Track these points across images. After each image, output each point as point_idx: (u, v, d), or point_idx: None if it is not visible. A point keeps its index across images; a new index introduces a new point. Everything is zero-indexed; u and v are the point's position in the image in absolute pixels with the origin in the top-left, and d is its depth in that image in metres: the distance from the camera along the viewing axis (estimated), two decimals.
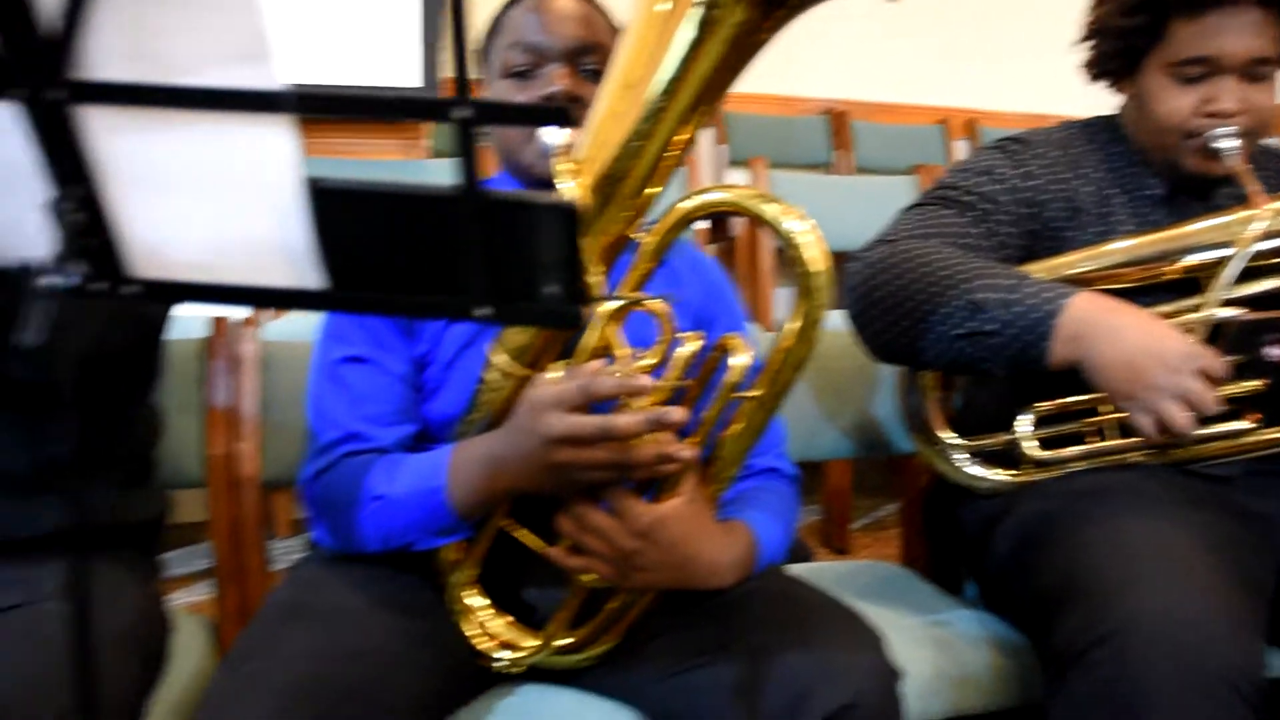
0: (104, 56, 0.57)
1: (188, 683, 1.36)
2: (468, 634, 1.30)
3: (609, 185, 1.11)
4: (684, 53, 1.06)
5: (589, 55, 1.35)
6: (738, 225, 3.39)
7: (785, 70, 4.24)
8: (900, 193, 3.25)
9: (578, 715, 1.30)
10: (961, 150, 4.65)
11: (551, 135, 1.21)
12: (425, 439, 1.36)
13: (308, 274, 0.63)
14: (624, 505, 1.15)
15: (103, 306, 1.31)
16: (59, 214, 0.62)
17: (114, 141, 0.61)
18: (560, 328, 0.63)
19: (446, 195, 0.58)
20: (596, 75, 1.33)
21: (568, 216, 0.59)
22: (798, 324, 1.15)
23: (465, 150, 0.56)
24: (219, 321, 1.70)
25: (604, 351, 1.17)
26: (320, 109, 0.57)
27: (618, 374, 1.10)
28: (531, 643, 1.29)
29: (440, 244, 0.62)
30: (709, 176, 4.26)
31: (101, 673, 1.17)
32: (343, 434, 1.32)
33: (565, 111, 0.58)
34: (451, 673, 1.26)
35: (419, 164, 3.33)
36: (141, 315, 1.41)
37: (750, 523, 1.30)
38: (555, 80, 1.33)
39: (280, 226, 0.61)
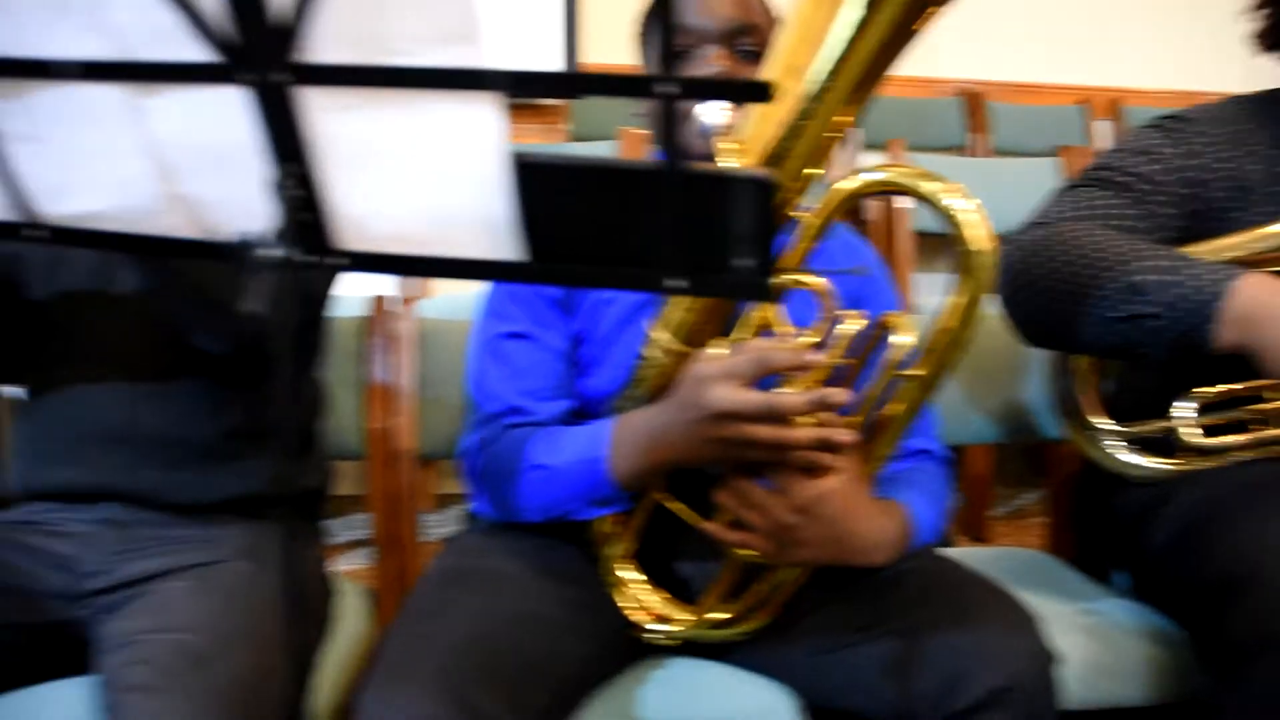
0: (327, 41, 0.61)
1: (350, 644, 1.42)
2: (621, 606, 1.32)
3: (771, 165, 1.11)
4: (849, 33, 1.06)
5: (745, 36, 1.36)
6: (872, 209, 3.36)
7: (919, 52, 4.17)
8: (1041, 175, 3.17)
9: (728, 690, 1.32)
10: (1104, 131, 4.52)
11: (711, 115, 1.22)
12: (580, 415, 1.39)
13: (507, 246, 0.66)
14: (784, 480, 1.16)
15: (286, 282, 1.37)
16: (279, 190, 0.66)
17: (330, 121, 0.64)
18: (750, 299, 0.65)
19: (650, 169, 0.60)
20: (753, 56, 1.34)
21: (764, 190, 0.61)
22: (960, 303, 1.14)
23: (668, 126, 0.58)
24: (378, 300, 1.76)
25: (765, 329, 1.19)
26: (527, 87, 0.59)
27: (785, 350, 1.11)
28: (685, 616, 1.31)
29: (637, 217, 0.64)
30: (844, 160, 4.22)
31: (280, 628, 1.24)
32: (503, 407, 1.36)
33: (766, 87, 0.59)
34: (606, 642, 1.29)
35: (558, 147, 3.39)
36: (309, 292, 1.46)
37: (906, 502, 1.29)
38: (712, 61, 1.34)
39: (484, 200, 0.64)
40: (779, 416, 1.10)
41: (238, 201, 0.70)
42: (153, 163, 0.70)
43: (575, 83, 0.56)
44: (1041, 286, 1.45)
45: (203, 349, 1.38)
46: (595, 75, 0.57)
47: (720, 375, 1.12)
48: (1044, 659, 1.18)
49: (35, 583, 1.34)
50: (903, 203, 3.04)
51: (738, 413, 1.11)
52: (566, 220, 0.65)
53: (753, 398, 1.10)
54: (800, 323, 1.20)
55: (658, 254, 0.65)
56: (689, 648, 1.34)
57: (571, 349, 1.40)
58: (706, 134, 1.22)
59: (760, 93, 0.60)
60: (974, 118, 4.43)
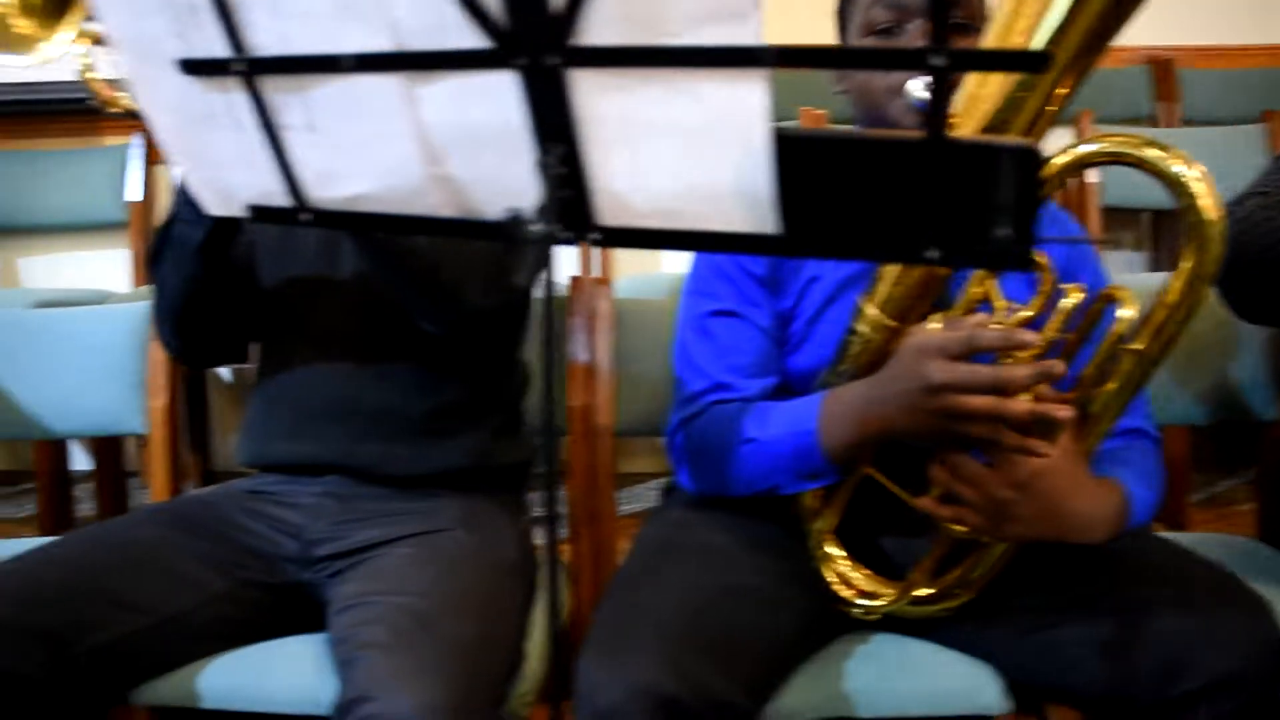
0: (599, 24, 0.63)
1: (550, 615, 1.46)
2: (827, 580, 1.33)
3: None
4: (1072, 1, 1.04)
5: (956, 8, 1.34)
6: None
7: None
8: (1242, 142, 3.04)
9: (933, 667, 1.32)
10: None
11: (920, 89, 1.22)
12: (784, 391, 1.40)
13: (765, 219, 0.68)
14: (1000, 455, 1.15)
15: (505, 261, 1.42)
16: (543, 169, 0.69)
17: (598, 101, 0.67)
18: (1009, 269, 0.65)
19: (914, 141, 0.61)
20: (961, 29, 1.32)
21: (1029, 160, 0.61)
22: (1186, 276, 1.12)
23: (938, 99, 0.58)
24: (577, 281, 1.80)
25: (981, 304, 1.18)
26: (796, 63, 0.61)
27: (1000, 326, 1.11)
28: (889, 591, 1.31)
29: (897, 189, 0.64)
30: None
31: (497, 595, 1.30)
32: (710, 383, 1.39)
33: (1043, 57, 0.60)
34: (812, 616, 1.31)
35: None
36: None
37: (1122, 480, 1.27)
38: (920, 36, 1.33)
39: (746, 175, 0.66)
40: (999, 390, 1.09)
41: (498, 180, 0.74)
42: (420, 146, 0.74)
43: (841, 57, 0.58)
44: (1264, 262, 1.40)
45: (423, 330, 1.44)
46: (863, 50, 0.58)
47: (937, 348, 1.11)
48: (1276, 647, 1.15)
49: (274, 548, 1.43)
50: (1092, 177, 2.95)
51: (957, 385, 1.10)
52: (824, 193, 0.67)
53: (972, 370, 1.10)
54: (1013, 297, 1.19)
55: (916, 225, 0.65)
56: (890, 623, 1.34)
57: (777, 326, 1.41)
58: (917, 107, 1.21)
59: (1036, 62, 0.60)
60: (1162, 86, 4.25)
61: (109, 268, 3.33)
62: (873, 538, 1.38)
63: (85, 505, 2.95)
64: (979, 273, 1.18)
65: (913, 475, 1.24)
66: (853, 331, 1.27)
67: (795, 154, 0.65)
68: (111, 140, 3.37)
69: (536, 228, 0.68)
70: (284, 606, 1.42)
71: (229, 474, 3.22)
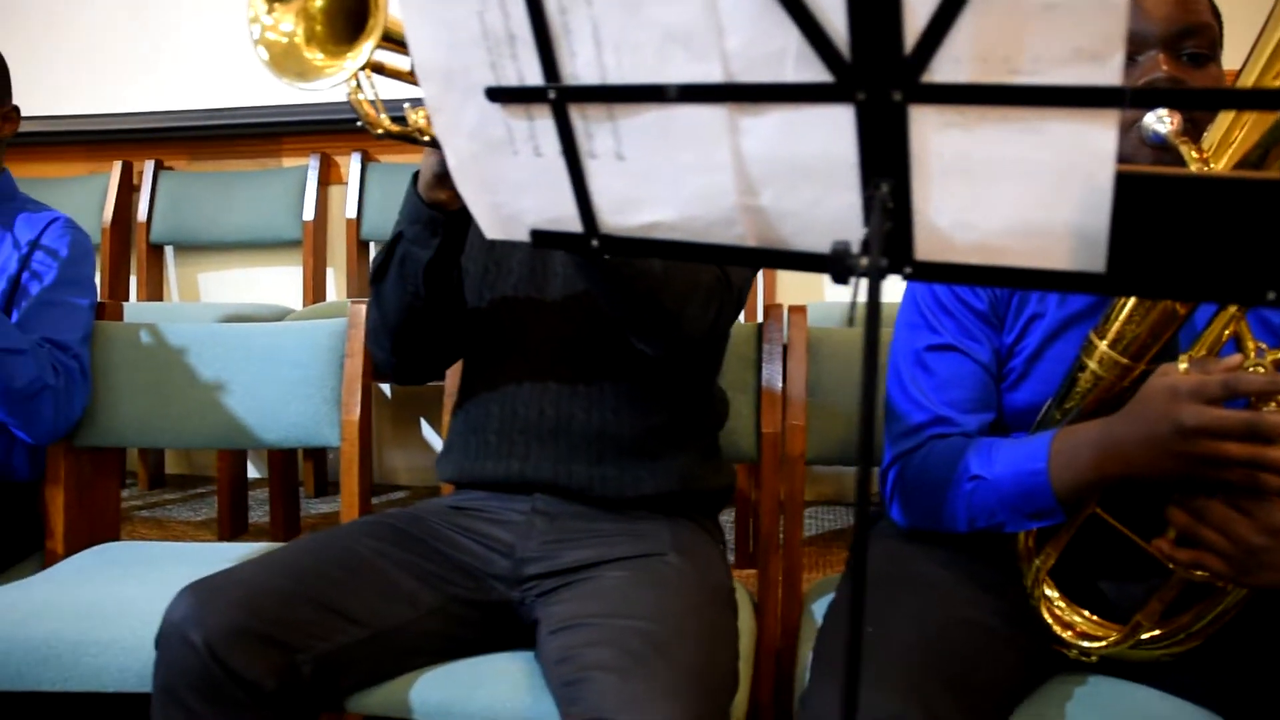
0: (949, 61, 0.63)
1: (744, 639, 1.45)
2: (1046, 619, 1.30)
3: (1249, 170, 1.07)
4: None
5: (1190, 39, 1.29)
6: None
7: None
8: None
9: (1157, 714, 1.27)
10: None
11: (1157, 123, 1.19)
12: (999, 428, 1.38)
13: (1095, 258, 0.66)
14: (1252, 501, 1.11)
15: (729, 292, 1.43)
16: (874, 203, 0.69)
17: (935, 137, 0.66)
18: None
19: (1266, 182, 0.60)
20: (1199, 59, 1.28)
21: None
22: None
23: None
24: (771, 309, 1.80)
25: (1228, 343, 1.15)
26: (1150, 103, 0.60)
27: (1263, 371, 1.07)
28: (1111, 634, 1.28)
29: (1241, 228, 0.63)
30: None
31: (719, 620, 1.30)
32: (929, 417, 1.37)
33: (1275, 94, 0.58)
34: (1031, 654, 1.29)
35: None
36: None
37: None
38: (1156, 66, 1.29)
39: (1083, 213, 0.65)
40: (1257, 436, 1.06)
41: (812, 213, 0.74)
42: (736, 177, 0.74)
43: (1199, 98, 0.57)
44: None
45: (632, 352, 1.45)
46: (1221, 91, 0.56)
47: (1192, 391, 1.08)
48: None
49: (485, 565, 1.45)
50: None
51: (1213, 430, 1.07)
52: (1160, 231, 0.65)
53: (1233, 416, 1.06)
54: (1261, 337, 1.15)
55: (1257, 265, 0.64)
56: (1107, 666, 1.31)
57: (996, 362, 1.39)
58: (1154, 142, 1.19)
59: (1271, 100, 0.58)
60: None
61: (284, 284, 3.44)
62: (1090, 578, 1.34)
63: (255, 512, 3.04)
64: (1228, 312, 1.15)
65: (1139, 516, 1.21)
66: (1082, 368, 1.25)
67: (1135, 193, 0.64)
68: (290, 162, 3.49)
69: (863, 260, 0.68)
70: (491, 624, 1.44)
71: (387, 486, 3.30)
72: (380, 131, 1.22)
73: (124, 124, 3.53)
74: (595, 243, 0.85)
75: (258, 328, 2.08)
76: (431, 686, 1.37)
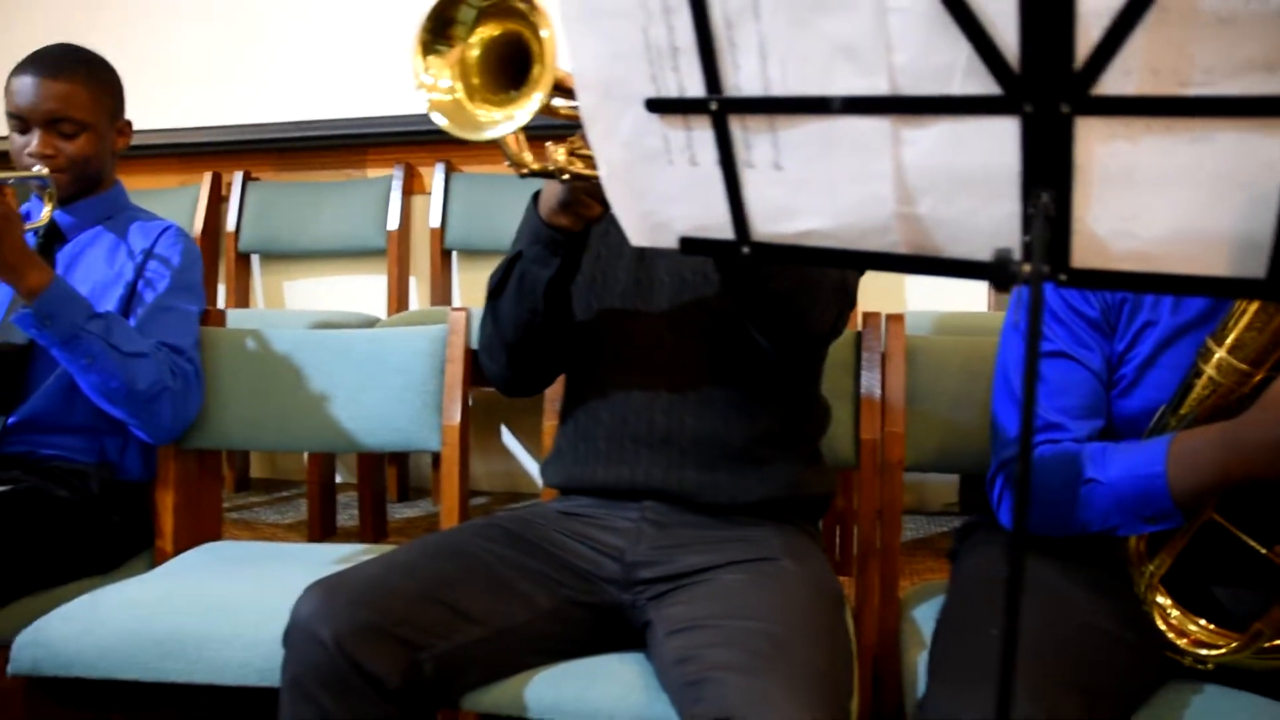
0: (1119, 73, 0.65)
1: None
2: (1160, 626, 1.31)
3: None
4: None
5: None
6: None
7: None
8: None
9: None
10: None
11: None
12: (1109, 435, 1.39)
13: (1256, 264, 0.68)
14: None
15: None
16: (1032, 211, 0.71)
17: (1100, 147, 0.68)
18: None
19: None
20: None
21: None
22: None
23: None
24: (869, 317, 1.82)
25: None
26: None
27: None
28: (1228, 642, 1.28)
29: None
30: None
31: (835, 624, 1.32)
32: (1040, 423, 1.38)
33: None
34: (1147, 660, 1.29)
35: None
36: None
37: None
38: None
39: (1248, 221, 0.67)
40: None
41: (968, 221, 0.76)
42: (895, 186, 0.77)
43: None
44: None
45: (748, 359, 1.48)
46: None
47: None
48: None
49: (595, 569, 1.48)
50: None
51: None
52: None
53: None
54: None
55: None
56: (1223, 674, 1.31)
57: (1106, 369, 1.40)
58: None
59: None
60: None
61: (368, 292, 3.51)
62: (1204, 584, 1.35)
63: (341, 515, 3.10)
64: None
65: (1257, 521, 1.22)
66: (1198, 374, 1.25)
67: None
68: (375, 173, 3.56)
69: (1025, 267, 0.70)
70: (601, 626, 1.47)
71: (470, 492, 3.35)
72: (525, 172, 1.25)
73: (213, 137, 3.63)
74: (746, 250, 0.88)
75: (359, 334, 2.13)
76: (546, 685, 1.40)
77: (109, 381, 1.84)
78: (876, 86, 0.74)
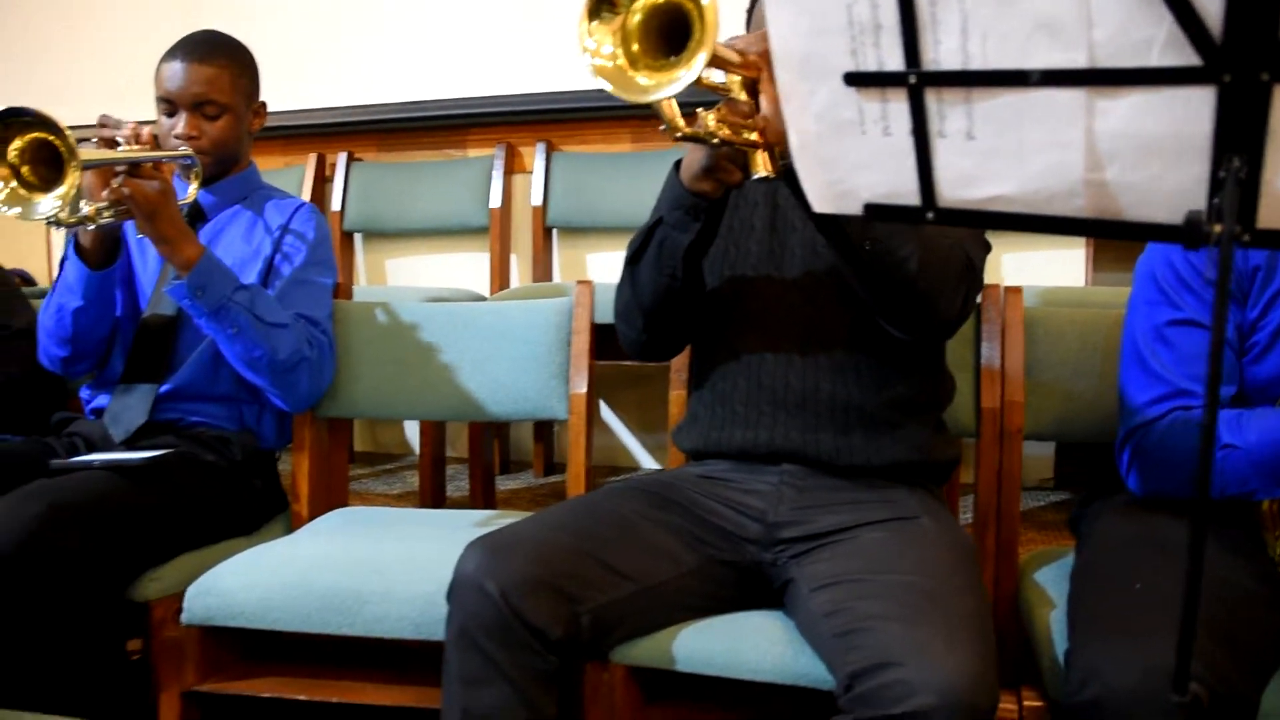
0: None
1: None
2: None
3: None
4: None
5: None
6: None
7: None
8: None
9: None
10: None
11: None
12: (1240, 400, 1.43)
13: None
14: None
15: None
16: (1223, 176, 0.76)
17: None
18: None
19: None
20: None
21: None
22: None
23: None
24: (989, 290, 1.86)
25: None
26: None
27: None
28: None
29: None
30: None
31: (976, 581, 1.37)
32: (1171, 389, 1.42)
33: None
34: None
35: None
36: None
37: None
38: None
39: None
40: None
41: (1154, 186, 0.81)
42: (1086, 154, 0.82)
43: None
44: None
45: (871, 327, 1.53)
46: None
47: None
48: None
49: (737, 529, 1.54)
50: None
51: None
52: None
53: None
54: None
55: None
56: None
57: (1238, 337, 1.43)
58: None
59: None
60: None
61: (468, 270, 3.60)
62: None
63: (450, 485, 3.19)
64: None
65: None
66: None
67: None
68: (476, 152, 3.64)
69: (1216, 228, 0.75)
70: (743, 583, 1.54)
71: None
72: (678, 134, 1.31)
73: (317, 119, 3.73)
74: (931, 215, 0.93)
75: (485, 306, 2.21)
76: (693, 640, 1.47)
77: (252, 350, 1.93)
78: (1075, 60, 0.79)
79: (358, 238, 3.81)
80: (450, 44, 3.66)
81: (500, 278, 3.47)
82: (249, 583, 1.67)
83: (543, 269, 3.48)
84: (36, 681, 1.60)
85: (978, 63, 0.83)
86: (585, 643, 1.42)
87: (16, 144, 1.67)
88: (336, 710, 1.70)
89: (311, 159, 3.75)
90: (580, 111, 3.46)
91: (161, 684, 1.70)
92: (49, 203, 1.67)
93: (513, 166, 3.55)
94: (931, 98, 0.87)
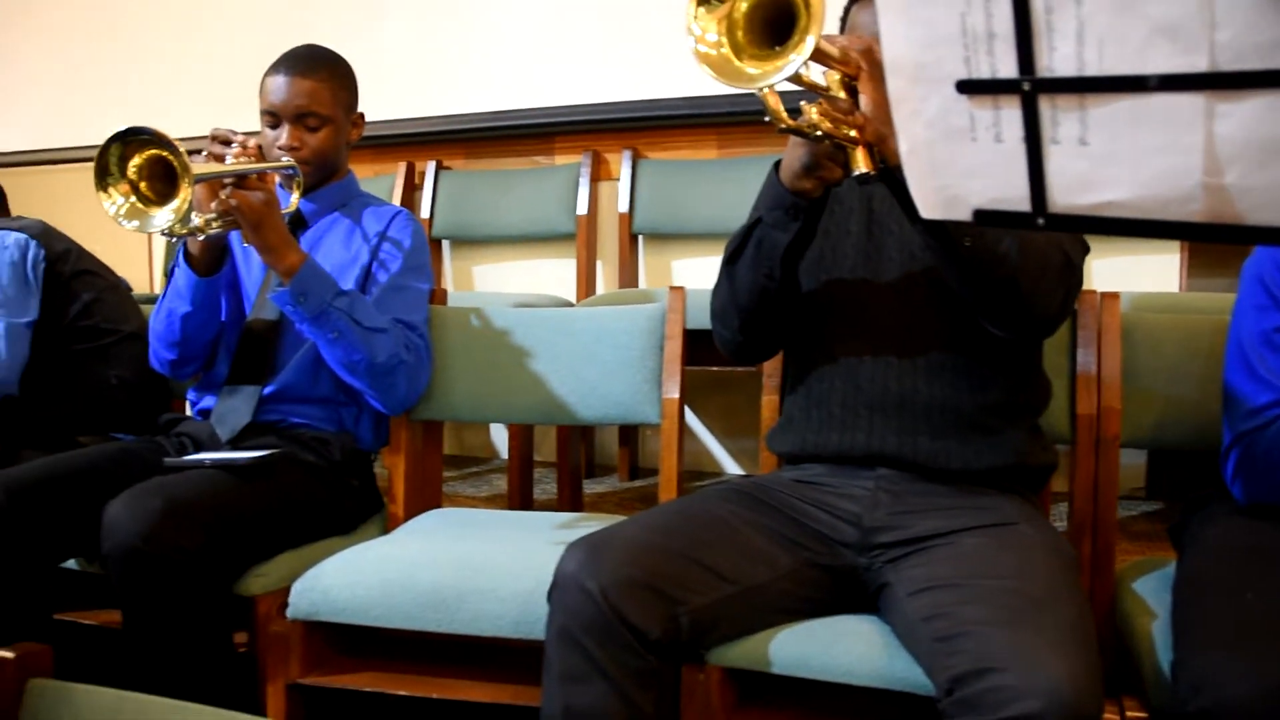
0: None
1: None
2: None
3: None
4: None
5: None
6: None
7: None
8: None
9: None
10: None
11: None
12: None
13: None
14: None
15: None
16: None
17: None
18: None
19: None
20: None
21: None
22: None
23: None
24: (1086, 295, 1.85)
25: None
26: None
27: None
28: None
29: None
30: None
31: (1078, 588, 1.37)
32: (1277, 396, 1.40)
33: None
34: None
35: None
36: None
37: None
38: None
39: None
40: None
41: (1275, 189, 0.80)
42: (1204, 158, 0.82)
43: None
44: None
45: (975, 330, 1.53)
46: None
47: None
48: None
49: (833, 533, 1.55)
50: None
51: None
52: None
53: None
54: None
55: None
56: None
57: None
58: None
59: None
60: None
61: (553, 276, 3.64)
62: None
63: (536, 489, 3.23)
64: None
65: None
66: None
67: None
68: (562, 160, 3.69)
69: None
70: (837, 587, 1.54)
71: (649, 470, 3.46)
72: (783, 126, 1.32)
73: (407, 128, 3.80)
74: (1042, 221, 0.94)
75: (578, 311, 2.24)
76: (790, 643, 1.48)
77: (351, 354, 1.98)
78: (1195, 64, 0.79)
79: (445, 244, 3.87)
80: (537, 53, 3.70)
81: (586, 284, 3.50)
82: (353, 580, 1.72)
83: (628, 275, 3.51)
84: (156, 670, 1.67)
85: (1093, 68, 0.83)
86: (683, 643, 1.44)
87: (136, 161, 1.75)
88: (432, 706, 1.74)
89: (401, 168, 3.82)
90: (666, 119, 3.48)
91: (268, 676, 1.75)
92: (164, 216, 1.75)
93: (599, 174, 3.59)
94: (1045, 104, 0.87)
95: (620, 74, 3.54)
